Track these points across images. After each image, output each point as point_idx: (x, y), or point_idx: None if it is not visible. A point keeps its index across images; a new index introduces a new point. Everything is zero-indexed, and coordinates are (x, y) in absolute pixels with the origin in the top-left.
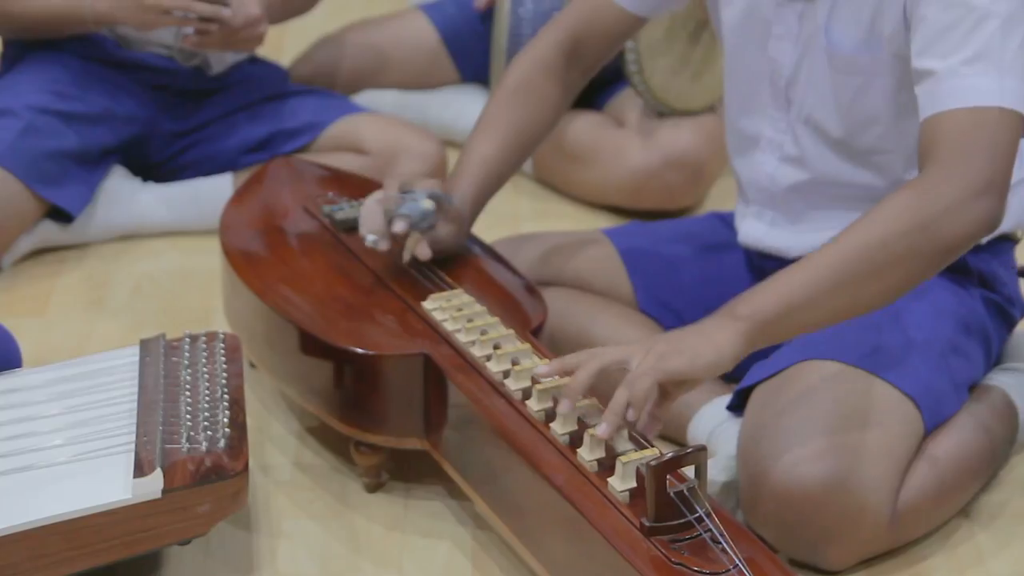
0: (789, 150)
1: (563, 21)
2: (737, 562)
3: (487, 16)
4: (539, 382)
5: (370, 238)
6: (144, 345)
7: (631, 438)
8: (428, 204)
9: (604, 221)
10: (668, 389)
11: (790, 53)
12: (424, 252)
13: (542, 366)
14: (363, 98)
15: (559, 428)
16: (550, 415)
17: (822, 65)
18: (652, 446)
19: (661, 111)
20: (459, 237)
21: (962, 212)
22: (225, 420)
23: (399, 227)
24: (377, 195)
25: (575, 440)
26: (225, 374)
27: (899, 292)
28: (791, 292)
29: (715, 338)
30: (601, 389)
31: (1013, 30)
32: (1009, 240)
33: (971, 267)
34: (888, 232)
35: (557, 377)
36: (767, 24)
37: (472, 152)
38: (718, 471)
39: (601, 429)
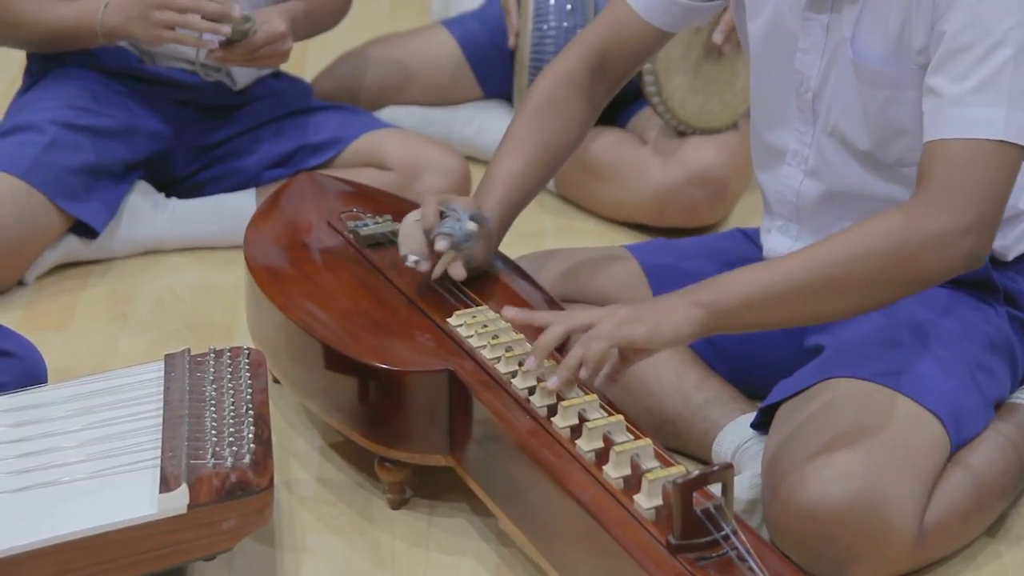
0: (814, 163)
1: (589, 37)
2: None
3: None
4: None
5: (411, 258)
6: (169, 360)
7: (656, 455)
8: (472, 226)
9: (627, 238)
10: (627, 354)
11: (816, 65)
12: (459, 272)
13: (511, 311)
14: (386, 113)
15: (585, 445)
16: (576, 432)
17: (849, 77)
18: (677, 463)
19: (681, 129)
20: (488, 255)
21: (944, 248)
22: (250, 436)
23: (442, 245)
24: (415, 215)
25: (601, 457)
26: (250, 389)
27: (861, 311)
28: (754, 290)
29: (676, 316)
30: (623, 403)
31: None
32: None
33: (997, 285)
34: (865, 252)
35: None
36: (793, 37)
37: (498, 169)
38: (744, 489)
39: (552, 381)
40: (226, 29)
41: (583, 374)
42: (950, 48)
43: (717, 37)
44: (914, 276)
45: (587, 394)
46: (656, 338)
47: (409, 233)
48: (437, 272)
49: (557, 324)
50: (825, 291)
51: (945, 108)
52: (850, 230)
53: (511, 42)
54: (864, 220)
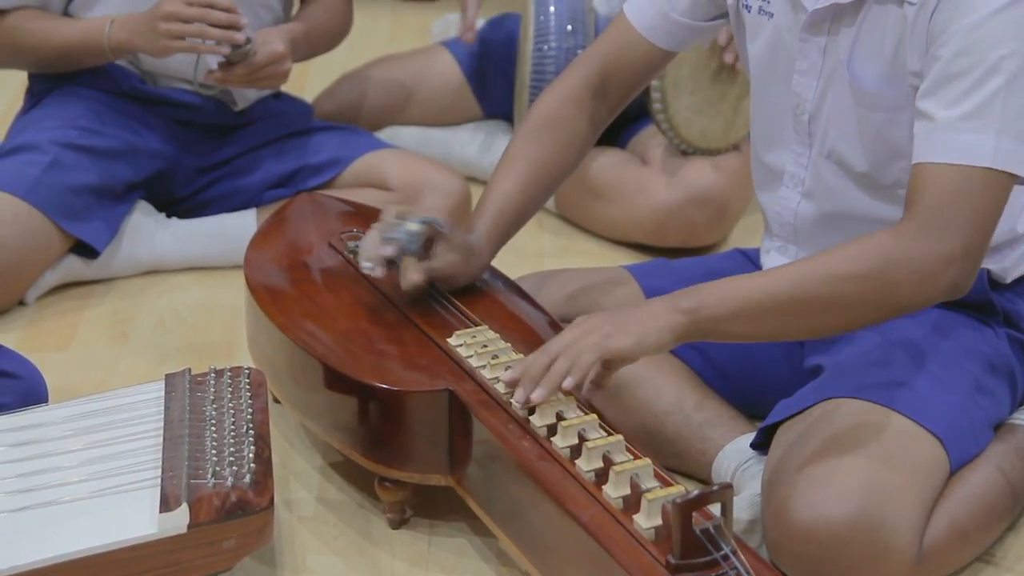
0: (811, 185)
1: (591, 57)
2: None
3: (511, 53)
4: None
5: (365, 265)
6: (169, 380)
7: (656, 475)
8: (414, 227)
9: (627, 258)
10: (610, 363)
11: (813, 87)
12: (415, 276)
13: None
14: (386, 134)
15: (584, 465)
16: (575, 452)
17: (846, 99)
18: (676, 483)
19: (684, 149)
20: (468, 268)
21: (927, 278)
22: (250, 455)
23: (387, 251)
24: (377, 224)
25: (601, 477)
26: (250, 409)
27: (840, 330)
28: (736, 301)
29: (659, 323)
30: (622, 423)
31: (1019, 90)
32: None
33: (997, 306)
34: (848, 273)
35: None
36: (791, 58)
37: (494, 188)
38: (743, 509)
39: (536, 394)
40: (240, 37)
41: (568, 383)
42: (944, 74)
43: (728, 57)
44: (893, 302)
45: (586, 414)
46: (641, 347)
47: (368, 241)
48: (404, 282)
49: (540, 357)
50: (805, 308)
51: (935, 132)
52: (838, 249)
53: (466, 36)
54: (854, 240)
